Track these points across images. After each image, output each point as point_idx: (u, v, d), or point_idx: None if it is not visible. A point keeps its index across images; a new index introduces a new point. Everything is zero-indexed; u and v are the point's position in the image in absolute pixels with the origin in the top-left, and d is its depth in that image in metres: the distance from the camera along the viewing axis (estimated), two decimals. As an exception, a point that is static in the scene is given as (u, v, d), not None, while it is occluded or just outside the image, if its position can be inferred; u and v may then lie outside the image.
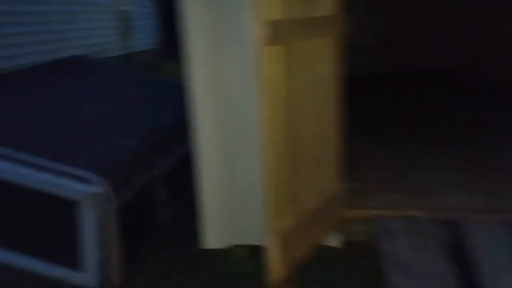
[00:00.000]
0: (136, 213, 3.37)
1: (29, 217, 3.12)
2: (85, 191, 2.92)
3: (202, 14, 3.13)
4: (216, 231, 3.32)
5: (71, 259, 3.01)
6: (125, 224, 3.12)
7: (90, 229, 2.93)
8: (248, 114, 3.16)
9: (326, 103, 3.08)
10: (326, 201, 3.15)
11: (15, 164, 3.03)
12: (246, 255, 3.26)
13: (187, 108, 3.39)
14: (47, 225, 3.09)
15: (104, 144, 3.50)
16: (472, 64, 7.62)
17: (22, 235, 3.15)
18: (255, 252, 3.24)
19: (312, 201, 3.00)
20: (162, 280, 3.08)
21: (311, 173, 3.00)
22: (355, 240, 3.30)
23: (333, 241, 3.27)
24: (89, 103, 4.23)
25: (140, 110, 4.34)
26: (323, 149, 3.10)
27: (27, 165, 3.00)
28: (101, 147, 3.44)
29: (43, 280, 3.00)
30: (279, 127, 2.69)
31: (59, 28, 8.16)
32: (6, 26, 6.76)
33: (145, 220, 3.55)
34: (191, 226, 3.64)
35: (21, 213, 3.12)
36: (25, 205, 3.14)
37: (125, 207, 3.12)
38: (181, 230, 3.64)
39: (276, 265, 2.71)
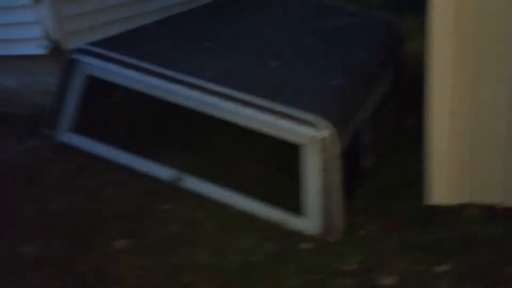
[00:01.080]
0: (348, 158, 3.09)
1: (251, 158, 3.15)
2: (311, 135, 2.77)
3: None
4: (445, 185, 2.97)
5: (293, 203, 2.94)
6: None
7: (314, 174, 2.80)
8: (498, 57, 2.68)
9: None
10: None
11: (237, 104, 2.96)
12: (479, 215, 2.90)
13: (383, 40, 2.99)
14: (269, 168, 3.09)
15: (316, 83, 3.27)
16: None
17: (244, 175, 3.18)
18: (489, 212, 2.87)
19: None
20: (385, 234, 2.86)
21: None
22: None
23: None
24: (280, 36, 4.02)
25: (334, 44, 4.01)
26: None
27: (249, 106, 2.92)
28: (314, 86, 3.23)
29: (263, 222, 2.97)
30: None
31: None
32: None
33: (354, 166, 3.32)
34: (401, 175, 3.38)
35: (244, 154, 3.16)
36: (248, 146, 3.19)
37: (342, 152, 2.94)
38: (392, 179, 3.37)
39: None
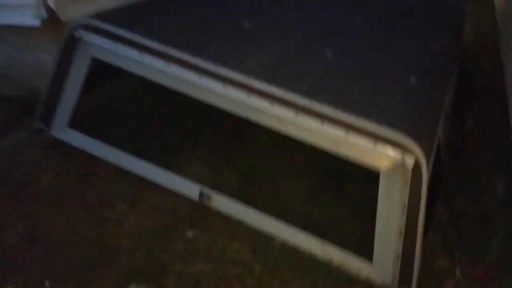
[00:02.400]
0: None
1: (299, 175, 2.48)
2: (397, 159, 2.05)
3: None
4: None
5: (357, 242, 2.29)
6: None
7: (395, 210, 2.08)
8: None
9: None
10: None
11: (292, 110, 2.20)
12: None
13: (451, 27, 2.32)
14: (322, 189, 2.43)
15: (389, 82, 2.51)
16: None
17: (290, 198, 2.52)
18: None
19: None
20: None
21: None
22: None
23: None
24: (332, 17, 3.26)
25: (395, 30, 3.25)
26: None
27: (309, 113, 2.15)
28: (388, 87, 2.47)
29: (316, 261, 2.27)
30: None
31: None
32: None
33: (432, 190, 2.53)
34: (480, 202, 2.72)
35: (289, 169, 2.51)
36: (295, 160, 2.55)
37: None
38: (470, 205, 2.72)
39: None
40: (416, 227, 2.12)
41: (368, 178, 2.24)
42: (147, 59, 2.32)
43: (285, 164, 2.75)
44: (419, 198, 2.09)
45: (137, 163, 2.56)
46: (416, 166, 2.06)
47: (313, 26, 2.96)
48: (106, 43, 2.40)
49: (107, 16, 2.49)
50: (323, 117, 2.14)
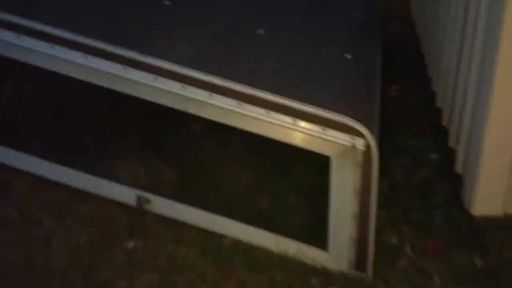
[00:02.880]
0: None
1: (242, 166, 2.34)
2: (346, 144, 1.96)
3: None
4: (493, 193, 2.41)
5: (308, 230, 2.21)
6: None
7: (348, 196, 2.01)
8: None
9: None
10: None
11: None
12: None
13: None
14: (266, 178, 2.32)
15: (324, 58, 2.41)
16: None
17: (237, 191, 2.37)
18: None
19: None
20: (431, 262, 2.21)
21: None
22: None
23: None
24: None
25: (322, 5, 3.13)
26: None
27: (249, 100, 1.98)
28: (324, 63, 2.36)
29: (270, 255, 2.15)
30: None
31: None
32: None
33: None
34: (416, 170, 2.71)
35: (231, 160, 2.36)
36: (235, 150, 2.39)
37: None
38: (407, 176, 2.69)
39: None
40: (369, 209, 2.08)
41: (311, 160, 2.18)
42: (60, 51, 2.01)
43: (224, 153, 2.57)
44: (371, 180, 2.03)
45: (58, 170, 2.27)
46: (367, 149, 1.99)
47: (239, 4, 2.77)
48: (8, 35, 2.04)
49: (7, 4, 2.10)
50: (268, 105, 1.99)
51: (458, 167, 2.61)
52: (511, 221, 2.36)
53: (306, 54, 2.40)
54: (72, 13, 2.19)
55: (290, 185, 2.40)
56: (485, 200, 2.37)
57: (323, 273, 2.16)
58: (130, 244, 2.13)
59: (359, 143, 1.97)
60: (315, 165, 2.23)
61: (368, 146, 1.99)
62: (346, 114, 2.01)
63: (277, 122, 2.01)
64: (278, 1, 2.96)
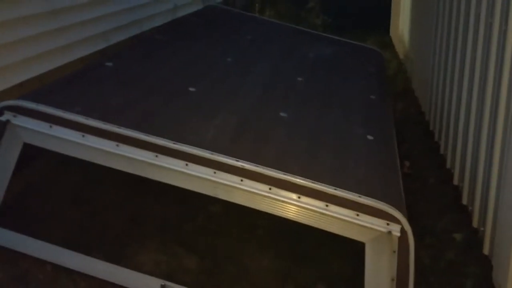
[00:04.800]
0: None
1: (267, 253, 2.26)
2: (382, 230, 1.91)
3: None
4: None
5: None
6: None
7: (383, 284, 1.96)
8: None
9: None
10: None
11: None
12: None
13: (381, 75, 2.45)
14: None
15: (349, 142, 2.43)
16: None
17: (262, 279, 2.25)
18: None
19: None
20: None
21: None
22: None
23: None
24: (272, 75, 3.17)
25: (335, 83, 3.24)
26: None
27: (281, 185, 1.96)
28: (352, 149, 2.37)
29: None
30: None
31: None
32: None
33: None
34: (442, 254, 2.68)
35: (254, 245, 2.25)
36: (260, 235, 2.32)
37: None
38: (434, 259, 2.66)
39: None
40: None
41: (339, 247, 2.12)
42: (92, 141, 2.02)
43: (246, 236, 2.52)
44: (408, 267, 1.97)
45: (79, 258, 2.17)
46: (403, 235, 1.96)
47: (259, 88, 2.83)
48: (41, 126, 2.04)
49: (37, 94, 2.15)
50: (300, 190, 1.97)
51: (486, 249, 2.55)
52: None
53: (330, 136, 2.43)
54: (101, 103, 2.22)
55: (319, 272, 2.32)
56: (518, 283, 2.33)
57: None
58: None
59: (395, 229, 1.93)
60: (345, 252, 2.18)
61: (403, 232, 1.96)
62: (378, 198, 1.98)
63: (308, 207, 1.98)
64: (295, 85, 3.04)
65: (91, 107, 2.08)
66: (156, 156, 1.97)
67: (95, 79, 2.50)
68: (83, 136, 2.00)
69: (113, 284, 2.19)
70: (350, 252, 2.13)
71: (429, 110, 4.02)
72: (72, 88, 2.34)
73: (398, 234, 1.92)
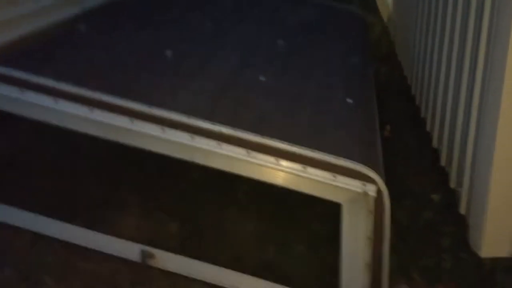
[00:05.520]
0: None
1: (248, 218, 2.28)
2: (358, 190, 1.92)
3: None
4: (500, 234, 2.40)
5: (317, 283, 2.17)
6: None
7: (359, 244, 1.96)
8: None
9: None
10: None
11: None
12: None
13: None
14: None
15: (327, 103, 2.44)
16: None
17: (245, 243, 2.28)
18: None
19: None
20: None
21: None
22: None
23: None
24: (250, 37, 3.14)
25: (316, 45, 3.21)
26: None
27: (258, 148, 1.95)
28: (329, 109, 2.38)
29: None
30: None
31: None
32: None
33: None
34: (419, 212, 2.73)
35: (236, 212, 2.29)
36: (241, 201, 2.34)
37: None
38: (414, 219, 2.68)
39: None
40: (382, 257, 2.05)
41: (318, 208, 2.15)
42: (65, 106, 1.97)
43: (227, 200, 2.53)
44: (383, 227, 2.01)
45: (58, 226, 2.17)
46: (379, 195, 1.98)
47: (238, 52, 2.79)
48: (11, 90, 1.98)
49: (7, 58, 2.07)
50: (278, 153, 1.97)
51: (462, 209, 2.60)
52: (520, 262, 2.38)
53: (310, 100, 2.42)
54: (75, 67, 2.17)
55: (299, 233, 2.35)
56: (493, 242, 2.35)
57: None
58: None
59: (371, 190, 1.94)
60: (323, 213, 2.21)
61: (379, 192, 1.98)
62: (355, 159, 1.99)
63: (287, 169, 1.99)
64: (276, 49, 3.01)
65: (64, 72, 2.03)
66: (132, 121, 1.95)
67: (68, 44, 2.44)
68: (55, 101, 1.96)
69: (93, 250, 2.22)
70: (329, 214, 2.17)
71: (411, 74, 4.03)
72: (44, 52, 2.28)
73: (374, 195, 1.94)
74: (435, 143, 3.19)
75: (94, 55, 2.34)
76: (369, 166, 1.99)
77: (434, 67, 3.21)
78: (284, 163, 1.97)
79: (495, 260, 2.34)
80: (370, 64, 3.41)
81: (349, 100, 2.52)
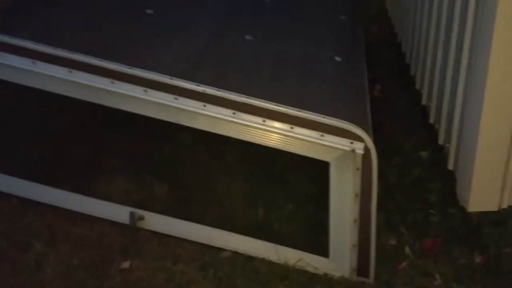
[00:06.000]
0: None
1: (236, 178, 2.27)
2: (344, 149, 1.93)
3: None
4: (487, 189, 2.42)
5: (307, 238, 2.18)
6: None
7: (347, 201, 1.99)
8: None
9: None
10: None
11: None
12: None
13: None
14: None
15: (314, 62, 2.39)
16: None
17: (232, 203, 2.30)
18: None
19: None
20: (433, 263, 2.22)
21: None
22: None
23: None
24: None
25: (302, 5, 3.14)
26: None
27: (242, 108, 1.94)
28: (316, 68, 2.34)
29: (273, 266, 2.11)
30: None
31: None
32: None
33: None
34: (407, 170, 2.71)
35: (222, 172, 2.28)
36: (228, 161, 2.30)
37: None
38: (400, 174, 2.71)
39: None
40: (370, 214, 2.06)
41: (307, 167, 2.15)
42: (44, 67, 1.92)
43: (214, 162, 2.50)
44: (371, 184, 2.02)
45: (44, 190, 2.17)
46: (366, 153, 1.97)
47: (223, 9, 2.71)
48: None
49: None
50: (264, 114, 1.94)
51: (450, 165, 2.61)
52: (507, 216, 2.39)
53: (297, 59, 2.38)
54: (53, 28, 2.10)
55: (287, 193, 2.35)
56: (480, 196, 2.37)
57: (326, 281, 2.11)
58: (126, 264, 2.05)
59: (358, 147, 1.94)
60: (312, 171, 2.21)
61: (367, 150, 1.98)
62: (343, 118, 1.98)
63: (273, 130, 1.97)
64: (262, 6, 2.93)
65: (42, 33, 1.98)
66: (112, 82, 1.91)
67: (45, 3, 2.35)
68: (33, 63, 1.91)
69: (81, 214, 2.22)
70: (318, 173, 2.17)
71: (401, 32, 3.97)
72: (20, 13, 2.21)
73: (362, 152, 1.94)
74: (424, 100, 3.18)
75: (73, 15, 2.27)
76: (356, 124, 1.99)
77: (424, 25, 3.16)
78: (271, 123, 1.97)
79: (482, 214, 2.37)
80: (359, 22, 3.35)
81: (338, 58, 2.49)
